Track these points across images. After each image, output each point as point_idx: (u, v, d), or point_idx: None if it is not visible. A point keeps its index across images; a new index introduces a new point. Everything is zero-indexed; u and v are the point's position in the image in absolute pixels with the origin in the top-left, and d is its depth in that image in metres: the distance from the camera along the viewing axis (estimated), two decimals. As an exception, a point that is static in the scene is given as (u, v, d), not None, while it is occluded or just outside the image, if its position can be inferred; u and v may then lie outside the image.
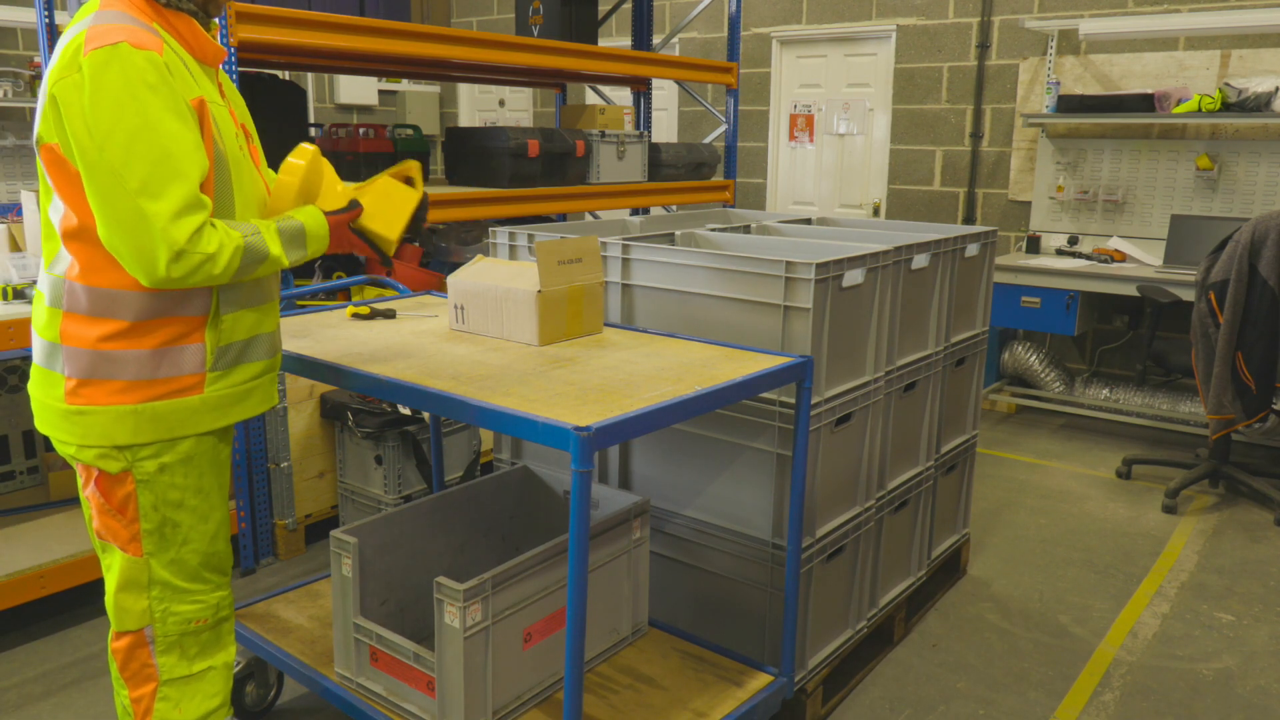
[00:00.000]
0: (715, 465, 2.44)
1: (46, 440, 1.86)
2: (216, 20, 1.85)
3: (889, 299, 2.57)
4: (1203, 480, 4.24)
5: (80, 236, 1.66)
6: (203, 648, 1.91)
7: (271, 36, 3.00)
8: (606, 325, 2.46)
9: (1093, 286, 4.81)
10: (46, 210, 1.70)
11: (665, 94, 7.04)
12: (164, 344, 1.71)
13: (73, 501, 3.27)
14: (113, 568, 1.81)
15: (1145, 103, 4.89)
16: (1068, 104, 5.12)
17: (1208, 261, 3.92)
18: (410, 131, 4.51)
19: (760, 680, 2.24)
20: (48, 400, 1.74)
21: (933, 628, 3.04)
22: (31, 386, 1.80)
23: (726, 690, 2.20)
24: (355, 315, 2.57)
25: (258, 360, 1.87)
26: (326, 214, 1.85)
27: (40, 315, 1.74)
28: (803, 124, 6.51)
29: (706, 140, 5.19)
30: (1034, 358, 5.36)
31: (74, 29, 1.62)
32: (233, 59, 2.89)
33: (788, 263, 2.26)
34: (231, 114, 1.81)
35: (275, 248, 1.72)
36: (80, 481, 1.80)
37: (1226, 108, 4.69)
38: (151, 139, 1.55)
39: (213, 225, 1.63)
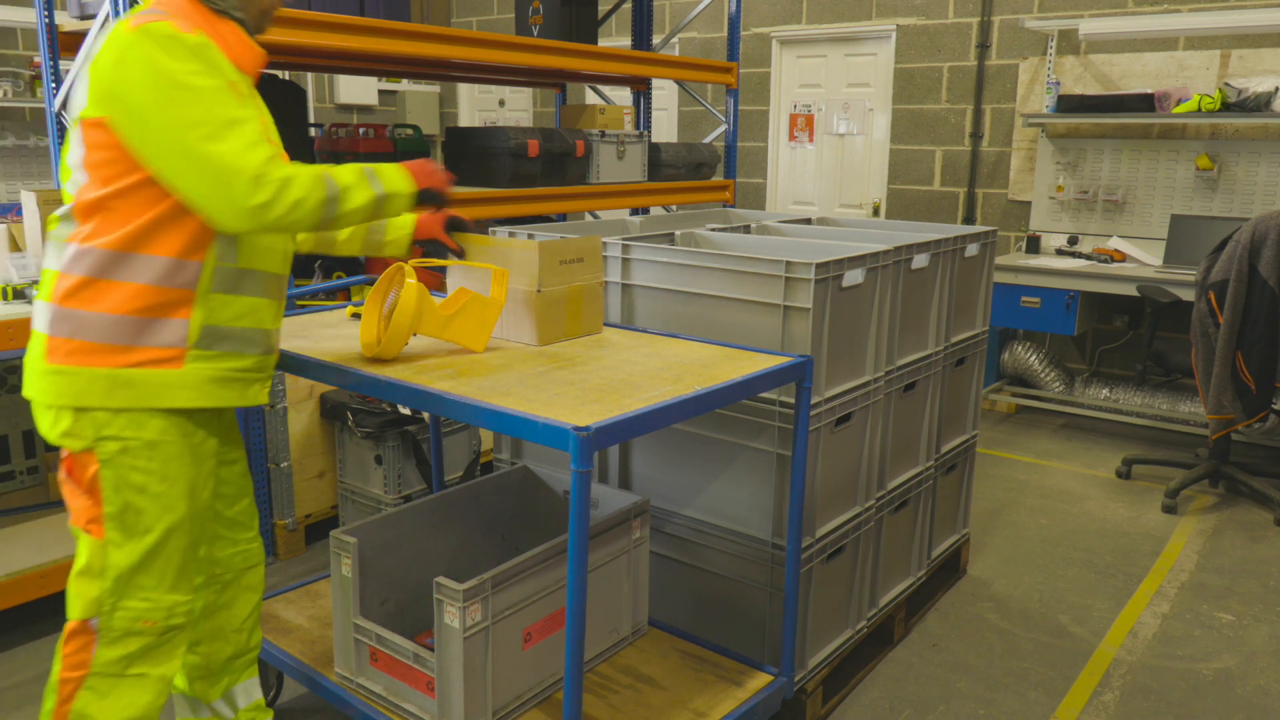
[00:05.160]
0: (715, 465, 2.44)
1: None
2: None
3: (889, 299, 2.57)
4: (1203, 480, 4.24)
5: (99, 208, 1.71)
6: (145, 651, 1.85)
7: (272, 36, 2.99)
8: (606, 325, 2.46)
9: (1093, 286, 4.81)
10: (66, 185, 1.77)
11: (665, 94, 7.04)
12: (147, 312, 1.73)
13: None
14: (79, 552, 1.83)
15: (1145, 103, 4.89)
16: (1068, 104, 5.12)
17: (1207, 261, 3.92)
18: (410, 131, 4.51)
19: (760, 680, 2.24)
20: (31, 360, 1.78)
21: (933, 628, 3.04)
22: (26, 354, 1.82)
23: (726, 690, 2.20)
24: (355, 315, 2.57)
25: (248, 354, 1.88)
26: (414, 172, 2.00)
27: (43, 282, 1.78)
28: (803, 124, 6.51)
29: (706, 140, 5.18)
30: (1034, 358, 5.36)
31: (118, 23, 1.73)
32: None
33: (788, 263, 2.26)
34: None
35: (345, 179, 1.84)
36: (60, 468, 1.83)
37: (1226, 108, 4.69)
38: (207, 98, 1.66)
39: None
